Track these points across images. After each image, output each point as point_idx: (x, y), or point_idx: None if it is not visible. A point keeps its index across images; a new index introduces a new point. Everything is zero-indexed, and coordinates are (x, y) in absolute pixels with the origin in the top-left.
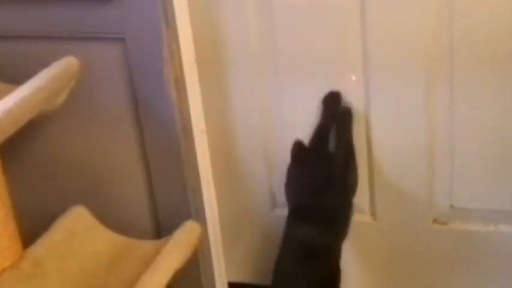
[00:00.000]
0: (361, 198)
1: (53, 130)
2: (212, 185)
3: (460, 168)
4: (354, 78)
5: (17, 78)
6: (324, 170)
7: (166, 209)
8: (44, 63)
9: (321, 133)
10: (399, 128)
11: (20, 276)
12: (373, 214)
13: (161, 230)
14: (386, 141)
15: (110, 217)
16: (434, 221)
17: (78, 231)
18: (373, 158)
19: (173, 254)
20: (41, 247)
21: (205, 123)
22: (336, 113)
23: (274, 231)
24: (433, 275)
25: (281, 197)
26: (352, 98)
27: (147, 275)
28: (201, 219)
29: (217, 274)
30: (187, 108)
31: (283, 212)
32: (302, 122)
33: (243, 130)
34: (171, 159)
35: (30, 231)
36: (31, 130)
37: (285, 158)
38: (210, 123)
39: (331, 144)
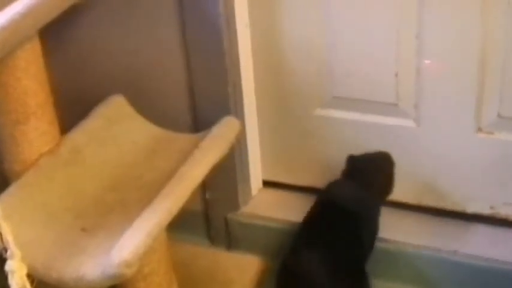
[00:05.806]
0: (405, 102)
1: (95, 19)
2: (253, 81)
3: (511, 75)
4: None
5: None
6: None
7: (205, 103)
8: None
9: None
10: (451, 30)
11: (58, 162)
12: (417, 120)
13: (199, 124)
14: (436, 44)
15: (149, 110)
16: (479, 130)
17: (116, 120)
18: (421, 59)
19: (211, 148)
20: (80, 134)
21: (249, 17)
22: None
23: (313, 131)
24: (474, 186)
25: (324, 97)
26: None
27: (185, 168)
28: (240, 115)
29: (253, 171)
30: (232, 1)
31: (324, 112)
32: (350, 20)
33: (287, 26)
34: (213, 52)
35: (69, 118)
36: (73, 17)
37: (331, 57)
38: (254, 17)
39: None
